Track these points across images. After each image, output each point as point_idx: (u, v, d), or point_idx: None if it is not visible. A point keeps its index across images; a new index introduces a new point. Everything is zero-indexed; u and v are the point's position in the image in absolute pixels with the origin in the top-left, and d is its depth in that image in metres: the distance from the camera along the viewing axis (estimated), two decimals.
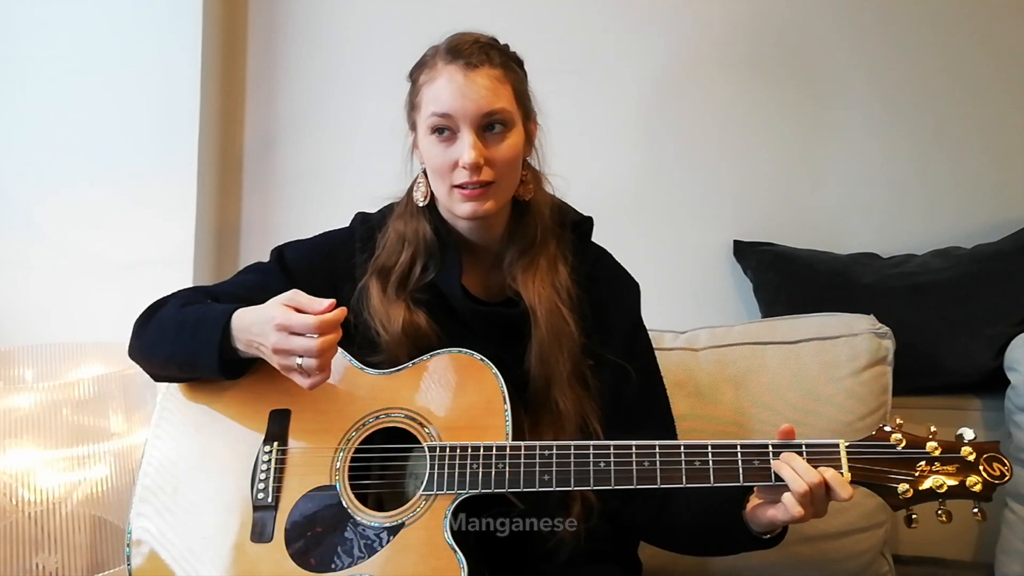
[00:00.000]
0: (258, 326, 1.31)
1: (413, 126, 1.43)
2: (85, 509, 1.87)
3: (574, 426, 1.38)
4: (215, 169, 2.43)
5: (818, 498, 1.21)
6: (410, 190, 1.49)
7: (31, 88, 2.31)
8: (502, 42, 1.42)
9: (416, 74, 1.41)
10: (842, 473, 1.21)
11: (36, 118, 2.31)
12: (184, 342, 1.38)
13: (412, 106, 1.42)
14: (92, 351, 2.04)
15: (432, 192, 1.45)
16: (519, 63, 1.43)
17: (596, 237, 1.54)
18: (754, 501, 1.29)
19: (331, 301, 1.29)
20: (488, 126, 1.36)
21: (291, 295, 1.31)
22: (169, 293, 1.51)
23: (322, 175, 2.46)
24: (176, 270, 2.28)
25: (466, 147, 1.34)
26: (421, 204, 1.45)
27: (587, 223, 1.51)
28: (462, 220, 1.42)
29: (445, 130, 1.36)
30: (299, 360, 1.28)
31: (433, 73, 1.37)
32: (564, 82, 2.36)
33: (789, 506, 1.20)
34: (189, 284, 2.26)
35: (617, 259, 1.55)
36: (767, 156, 2.35)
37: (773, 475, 1.23)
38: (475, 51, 1.36)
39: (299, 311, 1.28)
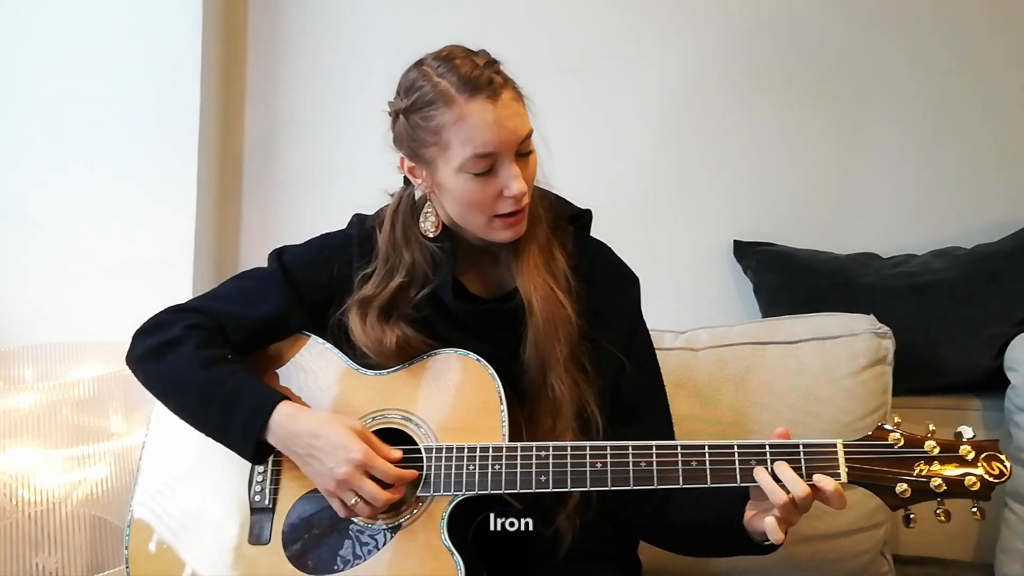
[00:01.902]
0: (325, 446, 1.31)
1: (425, 161, 1.37)
2: (85, 509, 1.87)
3: (571, 411, 1.37)
4: (215, 169, 2.43)
5: (804, 507, 1.21)
6: (400, 209, 1.46)
7: (31, 88, 2.31)
8: (490, 46, 1.38)
9: (425, 111, 1.33)
10: (839, 472, 1.21)
11: (37, 118, 2.31)
12: (212, 418, 1.38)
13: (422, 142, 1.35)
14: (92, 351, 2.04)
15: (443, 221, 1.43)
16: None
17: (597, 236, 1.54)
18: (749, 512, 1.28)
19: (400, 453, 1.33)
20: (521, 150, 1.34)
21: (362, 428, 1.34)
22: (170, 312, 1.48)
23: (322, 175, 2.46)
24: (176, 270, 2.28)
25: (512, 178, 1.32)
26: (432, 235, 1.42)
27: (586, 215, 1.50)
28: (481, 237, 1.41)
29: (487, 167, 1.32)
30: (356, 501, 1.30)
31: (456, 111, 1.30)
32: (566, 82, 2.35)
33: (769, 530, 1.20)
34: (189, 284, 2.28)
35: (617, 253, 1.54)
36: (767, 156, 2.35)
37: (772, 474, 1.22)
38: (488, 75, 1.31)
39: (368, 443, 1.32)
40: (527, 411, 1.39)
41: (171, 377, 1.41)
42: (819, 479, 1.20)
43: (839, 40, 2.32)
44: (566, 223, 1.48)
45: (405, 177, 1.46)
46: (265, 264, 1.53)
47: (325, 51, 2.46)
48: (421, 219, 1.43)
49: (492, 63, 1.34)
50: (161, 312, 1.48)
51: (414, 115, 1.35)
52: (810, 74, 2.34)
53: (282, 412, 1.35)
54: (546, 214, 1.45)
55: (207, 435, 1.40)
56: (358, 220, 1.53)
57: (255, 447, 1.35)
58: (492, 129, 1.30)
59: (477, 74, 1.30)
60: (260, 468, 1.42)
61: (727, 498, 1.30)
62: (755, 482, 1.23)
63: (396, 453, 1.33)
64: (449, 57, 1.34)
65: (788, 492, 1.20)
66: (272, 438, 1.35)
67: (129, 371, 1.46)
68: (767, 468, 1.23)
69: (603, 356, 1.43)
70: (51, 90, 2.31)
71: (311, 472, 1.34)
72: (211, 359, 1.39)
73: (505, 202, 1.34)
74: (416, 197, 1.45)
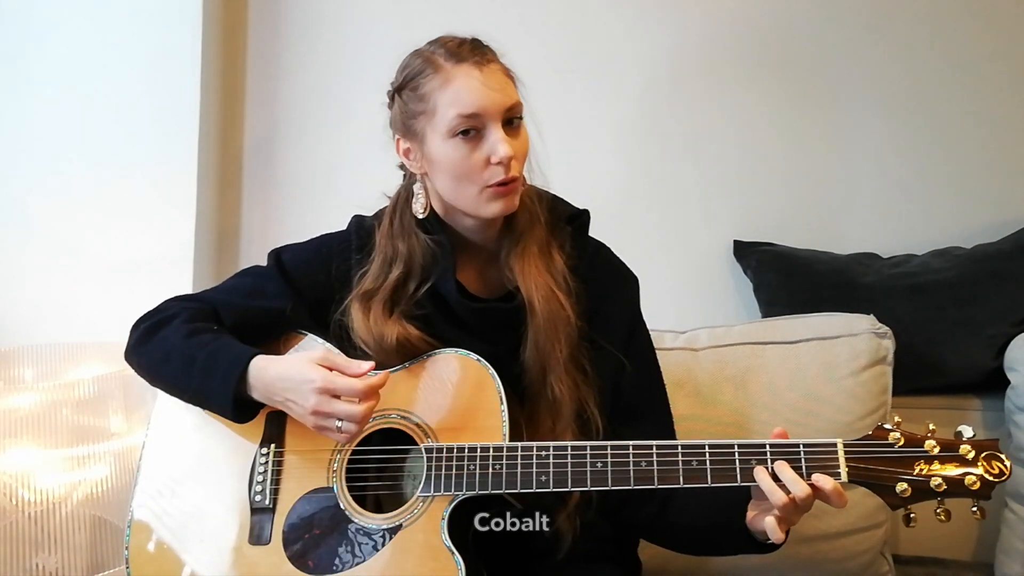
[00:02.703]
0: (291, 385, 1.31)
1: (418, 136, 1.38)
2: (85, 509, 1.87)
3: (571, 412, 1.37)
4: (215, 169, 2.44)
5: (804, 508, 1.21)
6: (398, 205, 1.47)
7: (32, 89, 2.31)
8: (485, 39, 1.41)
9: (414, 81, 1.37)
10: (839, 472, 1.21)
11: (37, 118, 2.31)
12: (195, 380, 1.38)
13: (414, 114, 1.37)
14: (92, 351, 2.04)
15: (431, 202, 1.43)
16: None
17: (596, 237, 1.54)
18: (751, 512, 1.28)
19: (371, 364, 1.31)
20: (509, 120, 1.35)
21: (324, 355, 1.32)
22: (167, 300, 1.50)
23: (322, 175, 2.46)
24: (176, 270, 2.28)
25: (499, 142, 1.32)
26: (421, 216, 1.43)
27: (583, 216, 1.50)
28: (474, 219, 1.41)
29: (471, 131, 1.33)
30: (339, 424, 1.29)
31: (443, 75, 1.33)
32: (563, 82, 2.36)
33: (769, 530, 1.21)
34: (189, 284, 2.28)
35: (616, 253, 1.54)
36: (767, 156, 2.35)
37: (772, 473, 1.22)
38: (476, 49, 1.35)
39: (331, 369, 1.30)
40: (527, 411, 1.39)
41: (158, 351, 1.42)
42: (818, 478, 1.20)
43: (838, 41, 2.32)
44: (564, 223, 1.48)
45: (404, 172, 1.47)
46: (264, 264, 1.53)
47: (325, 51, 2.46)
48: (412, 201, 1.44)
49: (481, 43, 1.38)
50: (160, 303, 1.51)
51: (405, 90, 1.38)
52: (810, 75, 2.34)
53: (256, 365, 1.35)
54: (544, 214, 1.45)
55: (192, 402, 1.42)
56: (357, 221, 1.53)
57: (235, 402, 1.35)
58: (477, 91, 1.32)
59: (465, 47, 1.35)
60: (260, 468, 1.42)
61: (729, 498, 1.30)
62: (756, 482, 1.23)
63: (364, 365, 1.31)
64: (440, 38, 1.39)
65: (788, 492, 1.20)
66: (255, 393, 1.35)
67: (129, 371, 1.47)
68: (767, 468, 1.23)
69: (602, 357, 1.43)
70: (51, 90, 2.31)
71: (296, 416, 1.34)
72: (196, 329, 1.41)
73: (494, 170, 1.33)
74: (412, 186, 1.45)
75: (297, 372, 1.31)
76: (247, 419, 1.40)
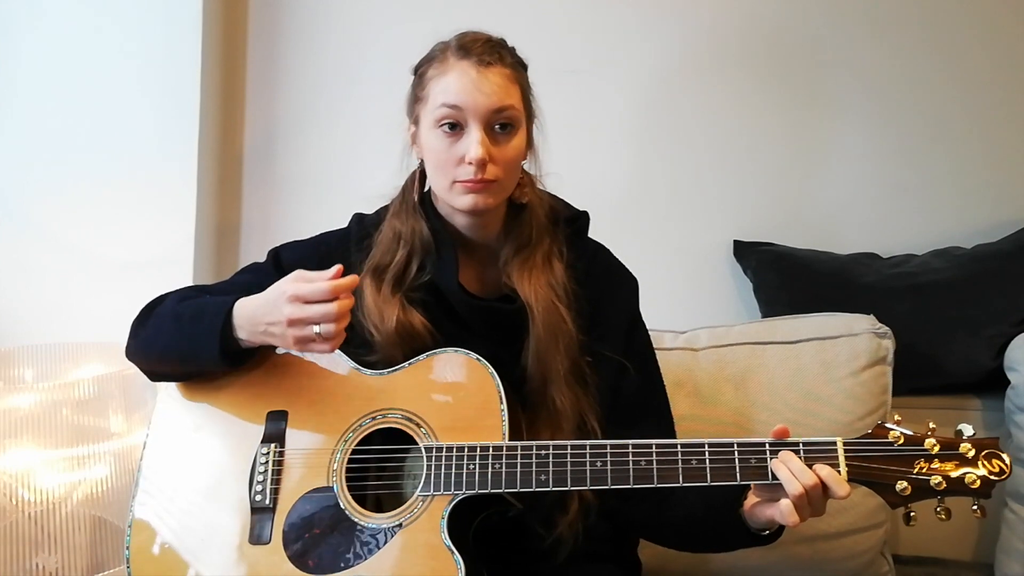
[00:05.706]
0: (266, 307, 1.31)
1: (416, 120, 1.42)
2: (85, 509, 1.87)
3: (572, 424, 1.38)
4: (215, 169, 2.44)
5: (815, 499, 1.20)
6: (405, 187, 1.49)
7: (32, 88, 2.31)
8: (510, 44, 1.42)
9: (424, 67, 1.40)
10: (839, 471, 1.21)
11: (37, 118, 2.31)
12: (183, 334, 1.39)
13: (416, 98, 1.41)
14: (92, 351, 2.04)
15: (425, 186, 1.45)
16: (525, 67, 1.43)
17: (596, 238, 1.54)
18: (752, 499, 1.28)
19: (338, 267, 1.30)
20: (497, 124, 1.36)
21: (297, 272, 1.32)
22: (164, 293, 1.52)
23: (322, 175, 2.46)
24: (176, 270, 2.28)
25: (474, 143, 1.33)
26: (416, 198, 1.46)
27: (583, 218, 1.51)
28: (460, 215, 1.42)
29: (455, 124, 1.35)
30: (317, 328, 1.28)
31: (444, 67, 1.36)
32: (563, 82, 2.35)
33: (786, 513, 1.20)
34: (189, 284, 2.25)
35: (615, 255, 1.55)
36: (767, 156, 2.35)
37: (770, 473, 1.22)
38: (487, 49, 1.36)
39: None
40: (527, 420, 1.40)
41: (152, 327, 1.45)
42: (818, 468, 1.20)
43: (838, 42, 2.33)
44: (563, 226, 1.49)
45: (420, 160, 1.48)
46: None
47: (325, 51, 2.46)
48: (412, 184, 1.47)
49: (502, 46, 1.39)
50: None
51: (416, 75, 1.42)
52: (810, 75, 2.34)
53: (239, 303, 1.36)
54: (547, 223, 1.46)
55: (185, 364, 1.42)
56: (357, 219, 1.54)
57: (221, 343, 1.35)
58: (466, 87, 1.34)
59: (477, 45, 1.36)
60: (261, 467, 1.41)
61: (725, 493, 1.31)
62: (756, 479, 1.23)
63: (332, 270, 1.29)
64: (467, 31, 1.40)
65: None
66: (242, 333, 1.36)
67: (129, 371, 1.48)
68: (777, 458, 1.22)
69: (602, 364, 1.44)
70: (51, 90, 2.31)
71: (279, 341, 1.34)
72: (186, 296, 1.45)
73: (466, 168, 1.35)
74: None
75: (271, 291, 1.32)
76: (238, 364, 1.41)
